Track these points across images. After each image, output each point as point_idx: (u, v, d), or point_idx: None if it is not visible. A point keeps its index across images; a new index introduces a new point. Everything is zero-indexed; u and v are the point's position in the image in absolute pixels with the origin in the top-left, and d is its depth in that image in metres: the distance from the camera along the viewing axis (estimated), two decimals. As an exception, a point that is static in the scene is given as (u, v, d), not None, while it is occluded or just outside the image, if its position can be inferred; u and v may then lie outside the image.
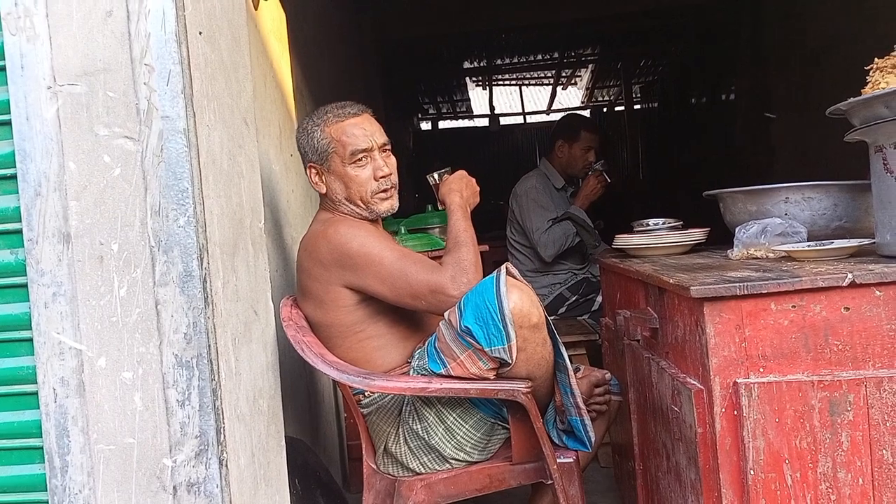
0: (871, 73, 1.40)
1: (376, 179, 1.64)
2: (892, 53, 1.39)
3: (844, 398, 1.14)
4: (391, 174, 1.67)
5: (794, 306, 1.17)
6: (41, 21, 1.12)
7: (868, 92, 1.35)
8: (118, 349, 1.13)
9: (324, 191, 1.68)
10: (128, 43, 1.11)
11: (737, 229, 1.64)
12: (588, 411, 1.55)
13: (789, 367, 1.17)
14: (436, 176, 1.79)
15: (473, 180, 1.71)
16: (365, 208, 1.66)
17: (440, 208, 1.78)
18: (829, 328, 1.16)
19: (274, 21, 2.15)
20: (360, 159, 1.63)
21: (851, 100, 1.38)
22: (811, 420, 1.14)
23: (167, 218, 1.12)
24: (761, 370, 1.17)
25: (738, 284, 1.16)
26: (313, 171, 1.68)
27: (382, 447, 1.62)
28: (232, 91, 1.34)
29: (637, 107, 8.69)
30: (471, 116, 9.67)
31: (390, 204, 1.68)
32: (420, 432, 1.55)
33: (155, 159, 1.12)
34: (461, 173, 1.72)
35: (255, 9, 1.90)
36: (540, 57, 7.56)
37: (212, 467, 1.14)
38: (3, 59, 1.13)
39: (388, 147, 1.69)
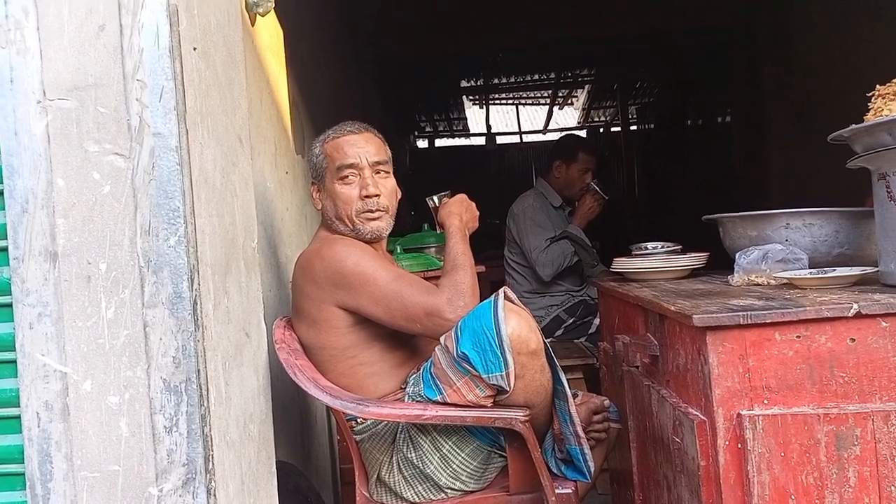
0: (872, 100, 1.38)
1: (361, 199, 1.60)
2: (894, 80, 1.38)
3: (851, 432, 1.11)
4: (378, 196, 1.61)
5: (798, 336, 1.14)
6: (32, 34, 1.09)
7: (871, 119, 1.33)
8: (104, 372, 1.09)
9: (320, 208, 1.66)
10: (120, 58, 1.08)
11: (737, 255, 1.62)
12: (587, 439, 1.52)
13: (794, 399, 1.14)
14: (435, 199, 1.77)
15: (473, 204, 1.69)
16: (351, 228, 1.62)
17: (438, 231, 1.75)
18: (834, 359, 1.14)
19: (271, 37, 2.14)
20: (346, 176, 1.59)
21: (854, 126, 1.36)
22: (817, 454, 1.11)
23: (157, 237, 1.09)
24: (766, 402, 1.14)
25: (741, 313, 1.14)
26: (314, 188, 1.68)
27: (376, 475, 1.58)
28: (226, 108, 1.31)
29: (633, 127, 8.72)
30: (467, 135, 9.68)
31: (375, 225, 1.62)
32: (415, 460, 1.51)
33: (146, 177, 1.09)
34: (461, 196, 1.69)
35: (252, 24, 1.88)
36: (537, 77, 7.58)
37: (199, 497, 1.10)
38: (-7, 73, 1.10)
39: (384, 168, 1.64)
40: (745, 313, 1.13)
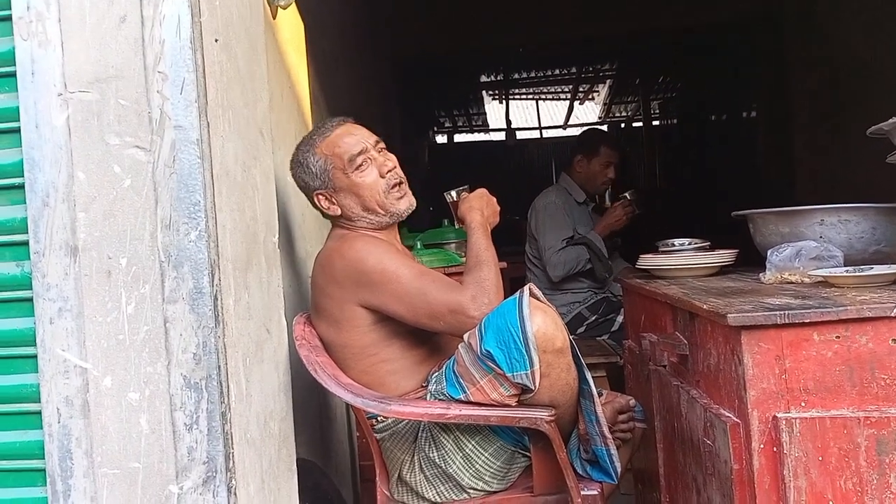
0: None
1: (383, 176, 1.59)
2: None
3: (893, 436, 1.06)
4: (395, 167, 1.61)
5: (838, 337, 1.10)
6: (53, 26, 1.08)
7: (914, 111, 1.28)
8: (125, 368, 1.08)
9: (338, 212, 1.61)
10: (141, 49, 1.07)
11: (769, 252, 1.57)
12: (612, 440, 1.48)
13: (833, 401, 1.10)
14: (453, 194, 1.73)
15: (494, 199, 1.65)
16: (385, 213, 1.60)
17: (457, 226, 1.71)
18: (875, 361, 1.09)
19: (292, 31, 2.12)
20: (360, 164, 1.58)
21: (894, 119, 1.31)
22: (857, 459, 1.07)
23: (178, 232, 1.08)
24: (803, 404, 1.10)
25: (778, 312, 1.10)
26: (322, 197, 1.62)
27: (397, 474, 1.56)
28: (248, 101, 1.29)
29: (655, 123, 8.61)
30: (487, 130, 9.64)
31: (408, 201, 1.62)
32: (437, 460, 1.48)
33: (167, 170, 1.07)
34: (482, 191, 1.66)
35: (274, 17, 1.86)
36: (557, 72, 7.52)
37: (220, 495, 1.08)
38: (14, 65, 1.09)
39: (383, 145, 1.64)
40: (782, 312, 1.09)
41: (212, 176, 1.10)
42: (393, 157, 1.64)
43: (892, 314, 1.08)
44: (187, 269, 1.08)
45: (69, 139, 1.08)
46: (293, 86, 2.09)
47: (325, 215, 1.67)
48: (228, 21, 1.22)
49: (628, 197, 2.95)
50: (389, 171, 1.59)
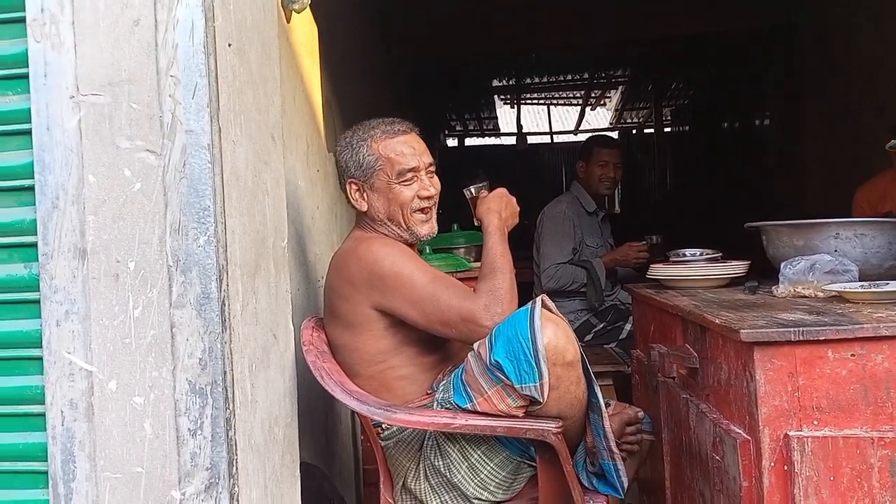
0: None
1: (420, 198, 1.59)
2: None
3: (907, 458, 1.05)
4: (434, 195, 1.61)
5: (853, 355, 1.08)
6: (67, 28, 1.08)
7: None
8: (130, 372, 1.08)
9: (365, 208, 1.61)
10: (154, 53, 1.06)
11: (782, 265, 1.56)
12: (619, 453, 1.46)
13: (846, 420, 1.08)
14: (472, 190, 1.71)
15: (513, 199, 1.63)
16: (406, 230, 1.60)
17: (475, 224, 1.69)
18: (891, 380, 1.08)
19: (305, 35, 2.12)
20: (408, 179, 1.57)
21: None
22: (870, 480, 1.05)
23: (187, 236, 1.07)
24: (815, 423, 1.08)
25: (792, 329, 1.08)
26: (353, 186, 1.61)
27: (401, 483, 1.55)
28: (260, 105, 1.29)
29: (667, 129, 8.57)
30: (498, 134, 9.63)
31: (430, 227, 1.62)
32: (442, 469, 1.47)
33: (177, 175, 1.07)
34: (501, 191, 1.64)
35: (288, 21, 1.86)
36: (569, 77, 7.50)
37: (222, 501, 1.08)
38: (27, 67, 1.09)
39: (434, 168, 1.64)
40: (796, 329, 1.07)
41: (222, 181, 1.10)
42: (437, 183, 1.63)
43: (909, 333, 1.07)
44: (195, 274, 1.07)
45: (80, 142, 1.08)
46: (306, 89, 2.09)
47: (348, 202, 1.66)
48: (242, 25, 1.21)
49: (652, 241, 2.92)
50: (427, 196, 1.59)
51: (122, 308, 1.07)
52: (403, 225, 1.59)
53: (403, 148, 1.58)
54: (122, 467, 1.07)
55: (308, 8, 1.94)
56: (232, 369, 1.10)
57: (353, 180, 1.60)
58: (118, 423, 1.08)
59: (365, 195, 1.60)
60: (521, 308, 1.37)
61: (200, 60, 1.07)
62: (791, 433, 1.07)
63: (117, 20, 1.07)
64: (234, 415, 1.10)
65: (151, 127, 1.07)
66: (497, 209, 1.58)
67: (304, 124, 2.06)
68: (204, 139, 1.07)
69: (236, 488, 1.10)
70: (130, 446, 1.07)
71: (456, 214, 1.89)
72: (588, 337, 2.93)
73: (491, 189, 1.67)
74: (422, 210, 1.59)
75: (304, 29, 2.10)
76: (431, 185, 1.60)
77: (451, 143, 9.52)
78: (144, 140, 1.07)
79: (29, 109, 1.09)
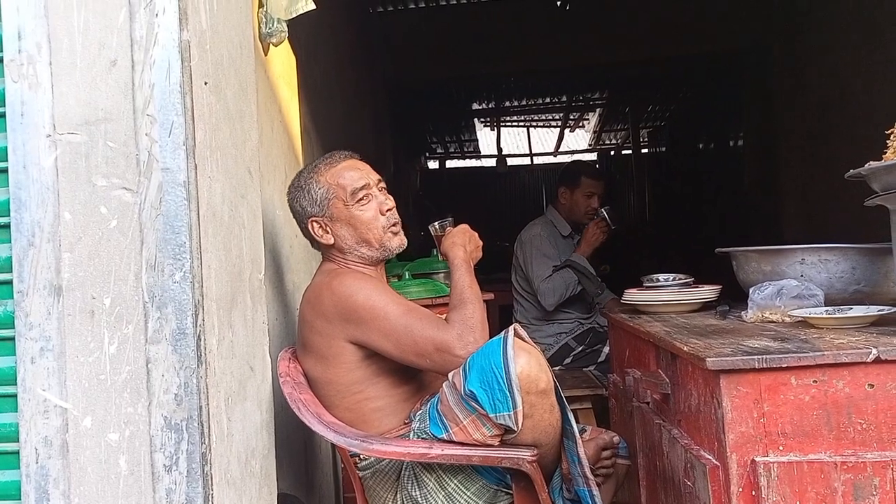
0: (891, 138, 1.36)
1: (383, 214, 1.63)
2: (913, 118, 1.35)
3: (870, 481, 1.07)
4: (393, 208, 1.66)
5: (815, 381, 1.11)
6: (44, 69, 1.09)
7: (890, 158, 1.31)
8: (105, 409, 1.08)
9: (331, 241, 1.64)
10: (131, 93, 1.08)
11: (751, 290, 1.59)
12: (595, 476, 1.48)
13: (811, 445, 1.11)
14: (437, 226, 1.76)
15: (476, 234, 1.68)
16: (378, 248, 1.63)
17: (441, 259, 1.74)
18: (852, 405, 1.11)
19: (283, 65, 2.14)
20: (362, 198, 1.62)
21: (872, 164, 1.34)
22: (834, 504, 1.08)
23: (163, 273, 1.08)
24: (781, 448, 1.11)
25: (756, 357, 1.11)
26: (315, 224, 1.64)
27: (379, 513, 1.55)
28: (236, 140, 1.31)
29: (644, 151, 8.70)
30: (478, 156, 9.70)
31: (400, 240, 1.67)
32: (419, 499, 1.48)
33: (153, 212, 1.08)
34: (464, 227, 1.68)
35: (265, 54, 1.89)
36: (548, 100, 7.60)
37: (198, 537, 1.08)
38: (3, 106, 1.10)
39: (384, 184, 1.69)
40: (760, 357, 1.10)
41: (198, 217, 1.11)
42: (391, 198, 1.68)
43: (869, 360, 1.10)
44: (171, 310, 1.08)
45: (56, 180, 1.09)
46: (284, 119, 2.11)
47: (313, 244, 1.69)
48: (219, 63, 1.23)
49: (603, 213, 2.97)
50: (389, 209, 1.64)
51: (98, 344, 1.08)
52: (375, 244, 1.63)
53: (349, 172, 1.64)
54: (96, 504, 1.07)
55: (286, 40, 1.97)
56: (208, 404, 1.11)
57: (314, 218, 1.64)
58: (93, 461, 1.08)
59: (328, 229, 1.63)
60: (494, 338, 1.39)
61: (177, 100, 1.09)
62: (758, 459, 1.10)
63: (94, 61, 1.09)
64: (210, 449, 1.11)
65: (128, 165, 1.09)
66: (462, 243, 1.62)
67: (283, 154, 2.07)
68: (180, 176, 1.09)
69: (212, 523, 1.10)
70: (105, 483, 1.07)
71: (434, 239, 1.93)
72: (567, 360, 2.95)
73: (456, 224, 1.71)
74: (392, 226, 1.64)
75: (282, 59, 2.12)
76: (387, 199, 1.65)
77: (433, 165, 9.58)
78: (121, 178, 1.09)
79: (6, 148, 1.10)
